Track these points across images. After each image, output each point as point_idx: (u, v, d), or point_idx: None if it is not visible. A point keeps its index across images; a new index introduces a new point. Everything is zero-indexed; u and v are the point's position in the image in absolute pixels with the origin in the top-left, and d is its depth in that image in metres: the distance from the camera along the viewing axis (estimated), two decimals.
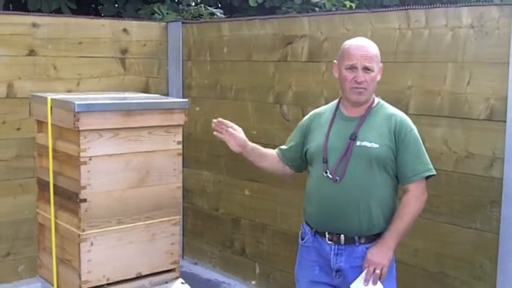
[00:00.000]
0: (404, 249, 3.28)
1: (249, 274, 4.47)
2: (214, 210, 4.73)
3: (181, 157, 3.33)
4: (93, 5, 7.26)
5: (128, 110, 3.10)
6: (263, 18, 4.45)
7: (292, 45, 4.06)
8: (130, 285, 3.19)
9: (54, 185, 3.20)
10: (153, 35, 4.84)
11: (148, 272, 3.24)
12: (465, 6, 3.25)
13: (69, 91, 4.34)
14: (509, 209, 3.05)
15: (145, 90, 4.75)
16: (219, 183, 4.66)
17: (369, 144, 2.58)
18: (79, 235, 3.01)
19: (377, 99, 2.72)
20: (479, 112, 3.16)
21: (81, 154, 2.97)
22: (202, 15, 6.27)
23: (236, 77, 4.47)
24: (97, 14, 6.98)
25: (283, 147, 2.91)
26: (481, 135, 3.16)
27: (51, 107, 3.13)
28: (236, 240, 4.56)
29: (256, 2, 6.75)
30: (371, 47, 2.63)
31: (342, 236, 2.61)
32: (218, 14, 6.42)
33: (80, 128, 2.94)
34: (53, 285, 3.25)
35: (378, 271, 2.54)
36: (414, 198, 2.59)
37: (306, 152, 2.77)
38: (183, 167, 3.44)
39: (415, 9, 3.44)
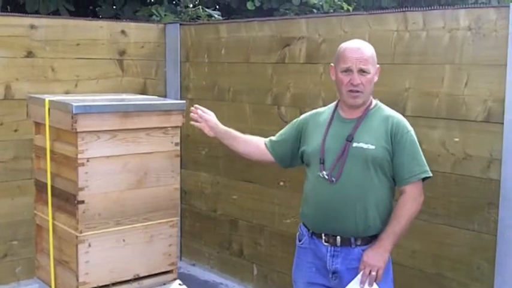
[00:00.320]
0: (402, 251, 3.29)
1: (246, 275, 4.47)
2: (212, 212, 4.73)
3: (179, 158, 3.33)
4: (91, 7, 7.26)
5: (125, 111, 3.11)
6: (261, 20, 4.45)
7: (290, 47, 4.06)
8: (128, 287, 3.19)
9: (52, 186, 3.20)
10: (151, 37, 4.84)
11: (146, 274, 3.24)
12: (463, 8, 3.26)
13: (67, 93, 4.34)
14: (507, 211, 3.05)
15: (143, 91, 4.75)
16: (217, 184, 4.66)
17: (365, 146, 2.58)
18: (77, 236, 3.01)
19: (374, 101, 2.72)
20: (476, 114, 3.17)
21: (79, 156, 2.97)
22: (200, 17, 6.27)
23: (234, 79, 4.47)
24: (95, 15, 6.97)
25: (273, 138, 2.94)
26: (479, 137, 3.17)
27: (48, 109, 3.14)
28: (234, 242, 4.56)
29: (254, 5, 6.75)
30: (366, 49, 2.63)
31: (338, 237, 2.61)
32: (216, 15, 6.42)
33: (78, 130, 2.94)
34: (50, 286, 3.25)
35: (373, 273, 2.54)
36: (411, 199, 2.59)
37: (302, 154, 2.78)
38: (180, 168, 3.44)
39: (413, 11, 3.44)
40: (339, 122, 2.70)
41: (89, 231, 3.03)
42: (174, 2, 7.04)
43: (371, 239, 2.61)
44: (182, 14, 6.48)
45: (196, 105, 3.03)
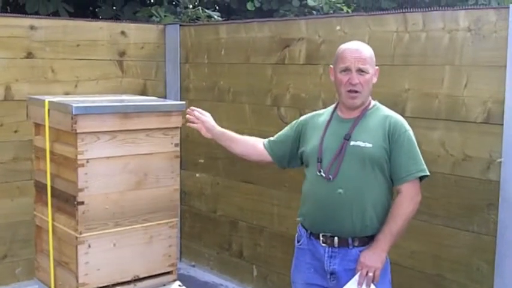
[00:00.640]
0: (401, 252, 3.29)
1: (246, 276, 4.47)
2: (212, 213, 4.73)
3: (178, 159, 3.33)
4: (90, 8, 7.26)
5: (125, 112, 3.11)
6: (261, 21, 4.46)
7: (290, 48, 4.06)
8: None
9: (52, 187, 3.20)
10: (151, 38, 4.85)
11: (145, 275, 3.24)
12: (462, 9, 3.26)
13: (66, 93, 4.34)
14: (506, 212, 3.05)
15: (143, 92, 4.75)
16: (217, 185, 4.66)
17: (362, 144, 2.59)
18: (76, 237, 3.01)
19: (373, 102, 2.73)
20: (476, 115, 3.17)
21: (79, 156, 2.97)
22: (199, 17, 6.27)
23: (234, 80, 4.47)
24: (95, 16, 6.97)
25: (272, 138, 2.96)
26: (478, 138, 3.17)
27: (48, 110, 3.13)
28: (234, 243, 4.56)
29: (254, 6, 6.75)
30: (365, 50, 2.65)
31: (336, 238, 2.62)
32: (216, 16, 6.41)
33: (78, 131, 2.94)
34: (50, 287, 3.25)
35: (370, 274, 2.54)
36: (408, 199, 2.58)
37: (302, 154, 2.79)
38: (180, 169, 3.44)
39: (413, 12, 3.45)
40: (337, 122, 2.71)
41: (89, 232, 3.03)
42: (173, 3, 7.03)
43: (368, 240, 2.61)
44: (182, 14, 6.47)
45: (193, 107, 3.06)
